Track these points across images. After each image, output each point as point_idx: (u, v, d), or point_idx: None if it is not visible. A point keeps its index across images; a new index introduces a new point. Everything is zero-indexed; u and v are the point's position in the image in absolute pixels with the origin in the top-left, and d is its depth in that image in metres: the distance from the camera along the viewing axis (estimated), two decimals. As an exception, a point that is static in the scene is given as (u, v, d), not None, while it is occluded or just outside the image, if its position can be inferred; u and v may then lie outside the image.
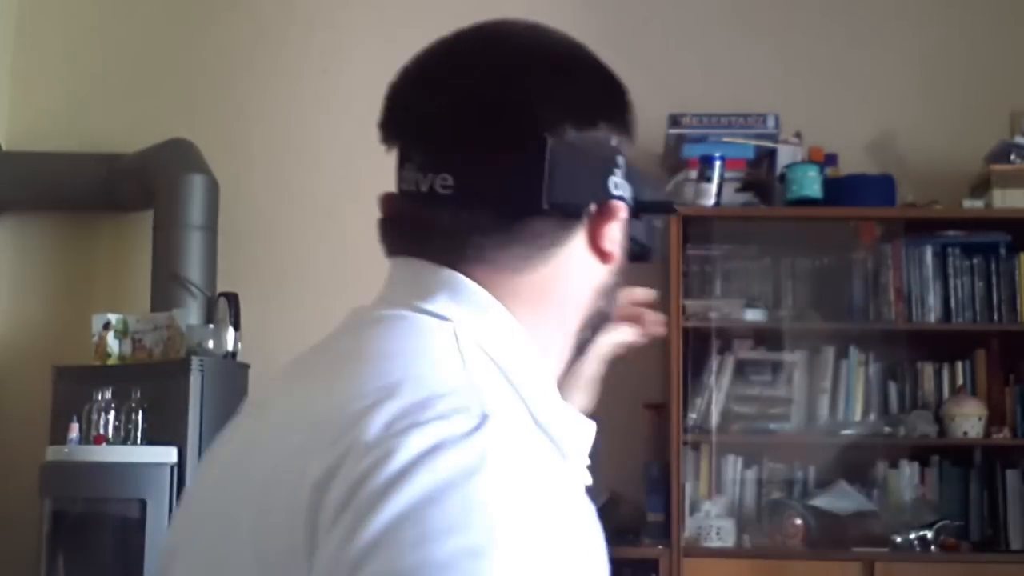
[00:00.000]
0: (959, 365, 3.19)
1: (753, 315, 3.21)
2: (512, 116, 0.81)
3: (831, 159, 3.27)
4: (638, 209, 0.87)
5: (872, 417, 3.18)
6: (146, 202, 3.44)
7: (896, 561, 2.96)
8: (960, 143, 3.33)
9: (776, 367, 3.24)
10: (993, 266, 3.15)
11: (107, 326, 3.22)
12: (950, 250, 3.18)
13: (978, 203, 3.16)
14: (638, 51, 3.56)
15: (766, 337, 3.26)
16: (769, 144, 3.25)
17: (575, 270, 0.84)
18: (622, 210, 0.84)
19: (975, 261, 3.16)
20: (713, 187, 3.10)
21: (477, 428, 0.67)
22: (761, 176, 3.26)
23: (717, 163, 3.10)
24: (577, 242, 0.84)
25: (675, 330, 3.07)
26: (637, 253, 0.94)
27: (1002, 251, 3.16)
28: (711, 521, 3.04)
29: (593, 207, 0.83)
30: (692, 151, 3.19)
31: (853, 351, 3.21)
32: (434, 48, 0.86)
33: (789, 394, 3.21)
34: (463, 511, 0.63)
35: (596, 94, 0.86)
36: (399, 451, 0.65)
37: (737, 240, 3.24)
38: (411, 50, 0.88)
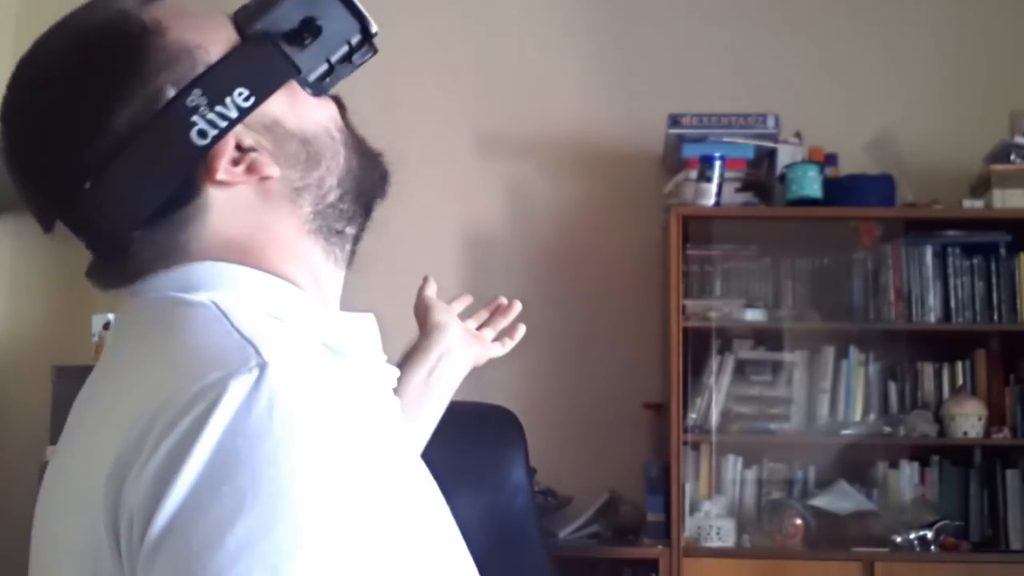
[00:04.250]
0: (959, 365, 3.19)
1: (753, 315, 3.21)
2: (55, 177, 0.78)
3: (831, 159, 3.27)
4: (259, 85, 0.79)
5: (872, 417, 3.18)
6: (146, 202, 3.43)
7: (896, 561, 2.96)
8: (960, 143, 3.33)
9: (776, 367, 3.24)
10: (993, 266, 3.15)
11: (107, 326, 3.21)
12: (950, 250, 3.17)
13: (978, 203, 3.16)
14: (638, 51, 3.57)
15: (766, 337, 3.26)
16: (769, 144, 3.25)
17: (237, 210, 0.80)
18: (222, 150, 0.78)
19: (975, 261, 3.16)
20: (713, 187, 3.10)
21: (259, 380, 0.65)
22: (761, 176, 3.26)
23: (717, 163, 3.10)
24: (215, 202, 0.79)
25: (675, 330, 3.07)
26: (354, 47, 0.87)
27: (1002, 251, 3.16)
28: (711, 521, 3.04)
29: (197, 174, 0.78)
30: (692, 151, 3.19)
31: (853, 351, 3.21)
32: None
33: (789, 394, 3.21)
34: (252, 483, 0.62)
35: (112, 91, 0.77)
36: (184, 419, 0.64)
37: (737, 240, 3.24)
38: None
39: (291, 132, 0.81)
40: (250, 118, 0.79)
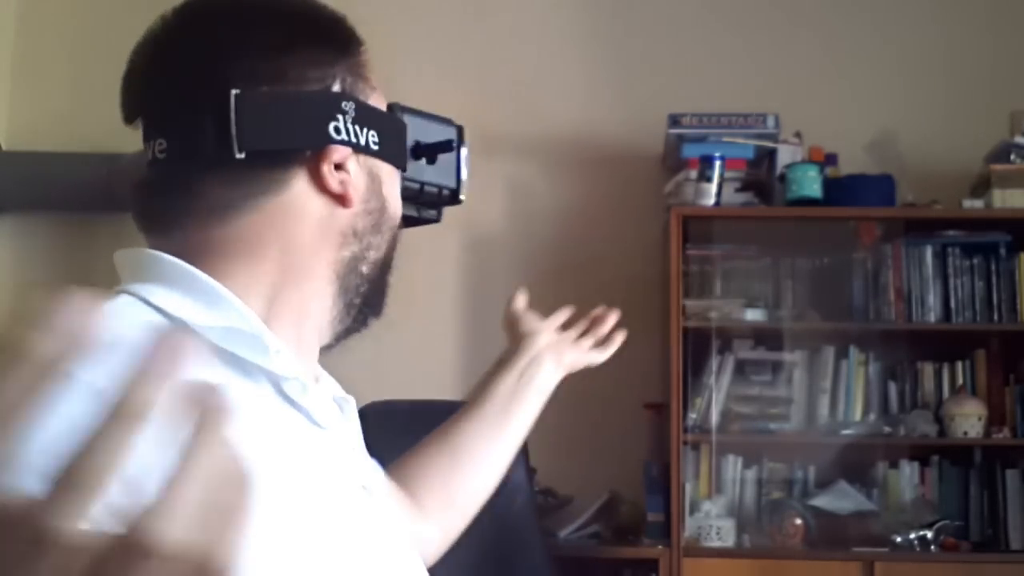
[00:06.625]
0: (959, 365, 3.19)
1: (753, 315, 3.21)
2: (199, 72, 0.83)
3: (831, 159, 3.27)
4: (385, 154, 0.89)
5: (872, 417, 3.18)
6: (146, 202, 3.43)
7: (896, 561, 2.96)
8: (960, 143, 3.33)
9: (776, 367, 3.24)
10: (993, 266, 3.15)
11: (107, 326, 3.21)
12: (950, 250, 3.18)
13: (978, 203, 3.16)
14: (638, 51, 3.57)
15: (766, 337, 3.26)
16: (769, 144, 3.25)
17: (296, 216, 0.84)
18: (339, 153, 0.84)
19: (975, 261, 3.16)
20: (713, 187, 3.11)
21: None
22: (761, 176, 3.26)
23: (717, 163, 3.10)
24: (297, 188, 0.84)
25: (675, 330, 3.07)
26: (440, 198, 1.00)
27: (1002, 251, 3.16)
28: (711, 521, 3.04)
29: (309, 153, 0.84)
30: (692, 151, 3.19)
31: (853, 351, 3.21)
32: (155, 24, 0.88)
33: (789, 394, 3.21)
34: None
35: (301, 43, 0.85)
36: None
37: (737, 240, 3.24)
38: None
39: (382, 195, 0.89)
40: (363, 161, 0.87)
